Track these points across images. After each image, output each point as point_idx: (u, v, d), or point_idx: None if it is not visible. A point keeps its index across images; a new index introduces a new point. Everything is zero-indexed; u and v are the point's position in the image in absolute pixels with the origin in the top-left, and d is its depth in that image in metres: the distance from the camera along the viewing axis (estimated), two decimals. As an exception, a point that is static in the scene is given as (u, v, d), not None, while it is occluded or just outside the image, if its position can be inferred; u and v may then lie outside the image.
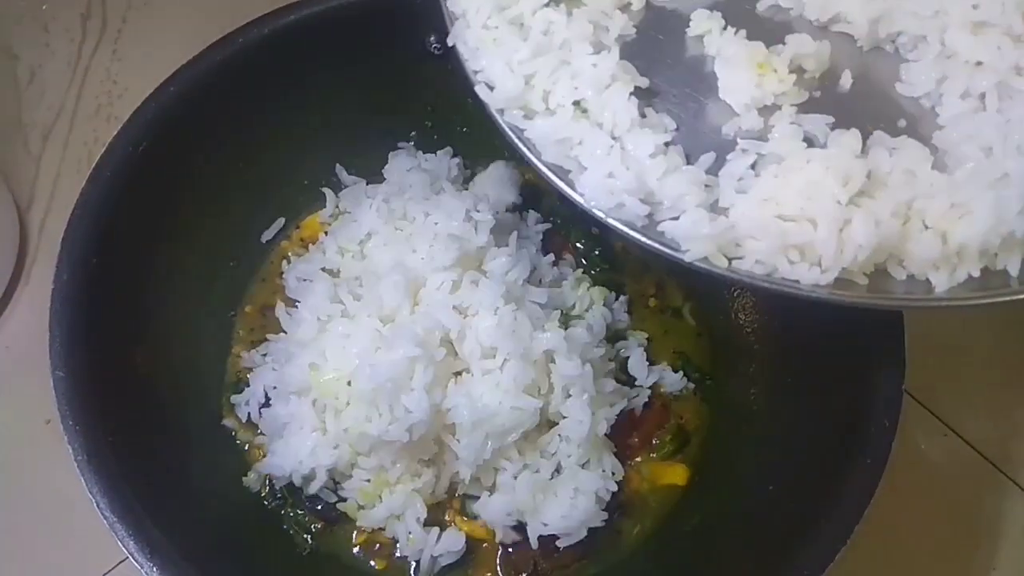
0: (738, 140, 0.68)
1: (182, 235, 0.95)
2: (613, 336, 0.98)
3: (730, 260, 0.65)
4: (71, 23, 1.27)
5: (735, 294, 1.00)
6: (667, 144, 0.68)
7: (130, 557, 0.73)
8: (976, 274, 0.63)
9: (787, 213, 0.63)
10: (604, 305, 0.99)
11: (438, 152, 1.05)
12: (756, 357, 0.98)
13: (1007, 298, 0.63)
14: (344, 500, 0.90)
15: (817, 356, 0.90)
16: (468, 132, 1.04)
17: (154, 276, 0.92)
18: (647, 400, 0.96)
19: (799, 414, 0.90)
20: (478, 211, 0.93)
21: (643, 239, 0.67)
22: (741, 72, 0.69)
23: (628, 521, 0.92)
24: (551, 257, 1.00)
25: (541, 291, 0.92)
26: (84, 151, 1.17)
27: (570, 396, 0.88)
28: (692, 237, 0.65)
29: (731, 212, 0.65)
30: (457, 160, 1.05)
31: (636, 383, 0.96)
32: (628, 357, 0.98)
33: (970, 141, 0.64)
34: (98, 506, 0.74)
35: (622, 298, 1.01)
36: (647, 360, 0.97)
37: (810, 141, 0.67)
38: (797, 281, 0.64)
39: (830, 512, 0.75)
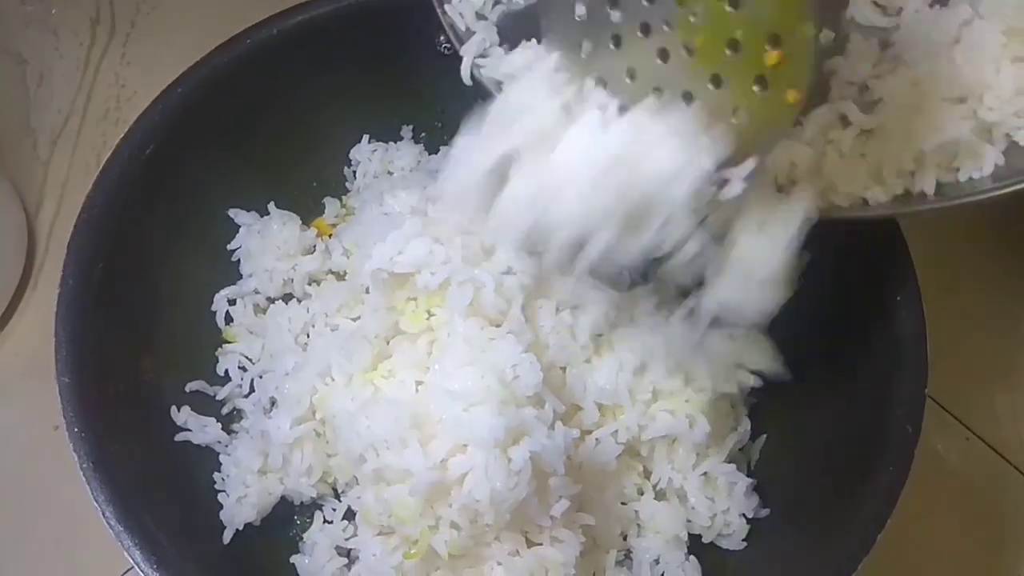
0: None
1: (191, 238, 0.94)
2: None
3: None
4: (80, 27, 1.26)
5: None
6: None
7: (136, 567, 0.72)
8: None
9: None
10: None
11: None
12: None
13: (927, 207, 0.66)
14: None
15: (835, 358, 0.86)
16: (479, 134, 1.03)
17: (162, 281, 0.91)
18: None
19: (817, 419, 0.88)
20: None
21: None
22: None
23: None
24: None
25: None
26: (93, 155, 1.16)
27: None
28: None
29: None
30: (467, 161, 1.03)
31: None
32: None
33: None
34: (104, 515, 0.73)
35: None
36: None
37: None
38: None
39: (851, 521, 0.73)
